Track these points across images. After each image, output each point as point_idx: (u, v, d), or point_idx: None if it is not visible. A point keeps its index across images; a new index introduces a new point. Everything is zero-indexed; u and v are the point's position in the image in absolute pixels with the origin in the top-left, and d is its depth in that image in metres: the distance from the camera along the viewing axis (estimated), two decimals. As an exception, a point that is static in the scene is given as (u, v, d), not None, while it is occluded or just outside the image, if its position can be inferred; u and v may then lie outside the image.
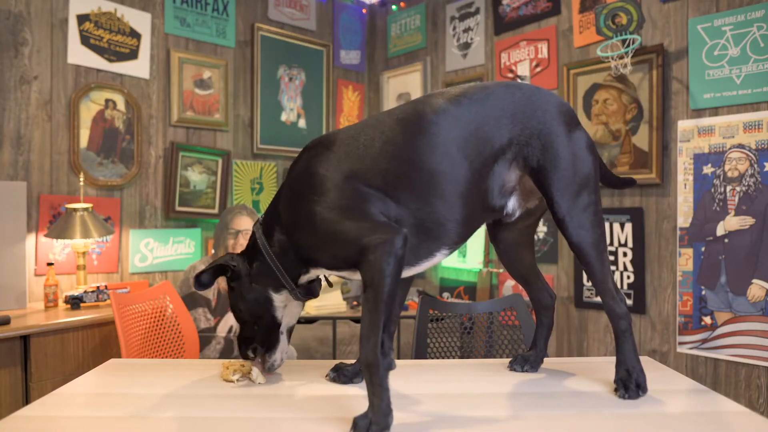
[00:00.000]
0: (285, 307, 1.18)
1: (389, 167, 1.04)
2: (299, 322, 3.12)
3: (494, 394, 1.09)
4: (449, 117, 1.07)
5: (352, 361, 1.22)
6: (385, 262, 0.94)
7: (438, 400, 1.06)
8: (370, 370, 0.91)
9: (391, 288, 0.94)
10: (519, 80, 3.35)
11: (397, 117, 1.09)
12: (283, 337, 1.19)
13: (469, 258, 3.61)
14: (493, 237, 1.28)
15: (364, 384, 1.16)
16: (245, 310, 1.17)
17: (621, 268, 2.84)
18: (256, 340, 1.18)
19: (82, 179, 2.79)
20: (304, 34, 3.96)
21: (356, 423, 0.89)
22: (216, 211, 3.44)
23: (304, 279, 1.15)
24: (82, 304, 2.55)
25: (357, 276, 1.07)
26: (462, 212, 1.06)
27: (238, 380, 1.18)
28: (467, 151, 1.06)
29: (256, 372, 1.19)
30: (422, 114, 1.08)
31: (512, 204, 1.15)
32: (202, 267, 2.48)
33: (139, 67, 3.12)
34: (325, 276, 1.20)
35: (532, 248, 1.29)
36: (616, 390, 1.07)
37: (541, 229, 3.23)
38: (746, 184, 2.40)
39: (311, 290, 1.18)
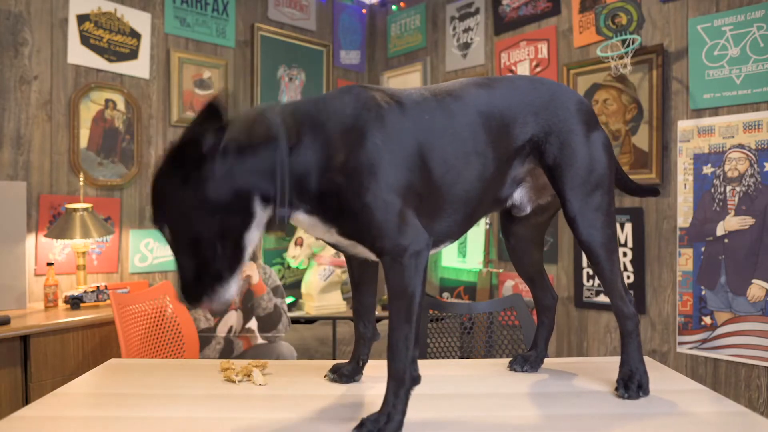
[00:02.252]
0: (258, 227, 0.89)
1: (443, 150, 0.99)
2: (299, 322, 3.12)
3: (494, 394, 1.09)
4: (489, 111, 1.06)
5: (347, 360, 1.22)
6: (417, 271, 0.91)
7: (438, 400, 1.06)
8: (399, 384, 0.89)
9: (422, 298, 0.92)
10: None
11: (450, 100, 1.04)
12: (244, 263, 0.90)
13: (469, 258, 3.61)
14: (505, 231, 1.27)
15: (363, 384, 1.16)
16: (212, 220, 0.82)
17: (621, 268, 2.84)
18: (213, 269, 0.85)
19: (82, 179, 2.79)
20: (304, 34, 3.96)
21: (364, 423, 0.87)
22: (216, 211, 3.44)
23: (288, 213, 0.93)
24: (81, 304, 2.55)
25: (357, 249, 0.99)
26: (477, 205, 1.06)
27: (239, 381, 1.18)
28: (499, 148, 1.05)
29: (256, 373, 1.19)
30: (469, 103, 1.05)
31: (519, 196, 1.14)
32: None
33: (139, 67, 3.12)
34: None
35: (542, 247, 1.29)
36: (616, 389, 1.07)
37: (541, 229, 3.23)
38: (746, 184, 2.40)
39: (289, 227, 0.98)
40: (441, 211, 1.02)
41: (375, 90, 0.99)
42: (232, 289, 0.88)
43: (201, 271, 0.86)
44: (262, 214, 0.88)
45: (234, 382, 1.17)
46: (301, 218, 0.94)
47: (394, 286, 0.91)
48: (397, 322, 0.90)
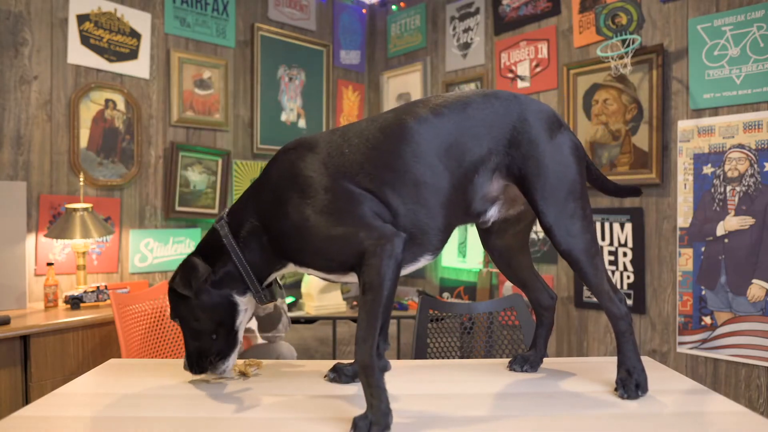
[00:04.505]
0: (246, 310, 1.14)
1: (375, 173, 1.03)
2: (299, 322, 3.12)
3: (494, 394, 1.09)
4: (430, 128, 1.07)
5: (350, 361, 1.22)
6: (386, 266, 0.94)
7: (438, 400, 1.06)
8: (366, 372, 0.92)
9: (390, 292, 0.94)
10: (519, 80, 3.35)
11: (380, 125, 1.08)
12: (239, 343, 1.15)
13: (469, 258, 3.61)
14: (486, 245, 1.27)
15: (364, 384, 1.16)
16: (205, 319, 1.10)
17: (621, 268, 2.84)
18: (213, 351, 1.12)
19: (82, 179, 2.79)
20: (304, 34, 3.96)
21: (356, 423, 0.89)
22: (216, 211, 3.44)
23: (273, 276, 1.13)
24: (82, 304, 2.55)
25: (346, 278, 1.06)
26: (444, 221, 1.07)
27: (231, 377, 1.20)
28: (448, 163, 1.06)
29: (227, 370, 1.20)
30: (405, 124, 1.07)
31: (492, 211, 1.15)
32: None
33: (139, 67, 3.12)
34: (278, 280, 1.17)
35: (528, 251, 1.29)
36: (616, 389, 1.07)
37: (541, 230, 3.23)
38: (746, 184, 2.40)
39: (272, 293, 1.14)
40: (402, 228, 1.03)
41: (292, 152, 1.09)
42: (230, 363, 1.14)
43: (205, 351, 1.12)
44: (243, 300, 1.12)
45: (222, 381, 1.18)
46: (289, 270, 1.12)
47: (363, 279, 0.96)
48: (361, 314, 0.94)
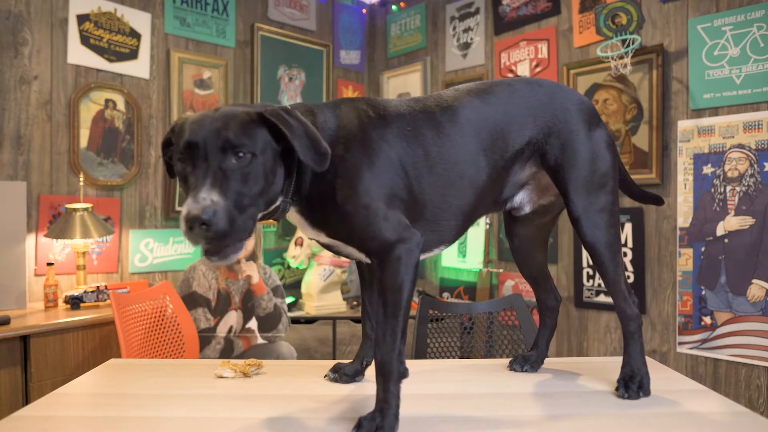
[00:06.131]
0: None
1: (428, 159, 1.01)
2: (299, 322, 3.12)
3: (494, 394, 1.09)
4: (480, 118, 1.06)
5: (351, 361, 1.22)
6: (407, 266, 0.93)
7: (438, 400, 1.06)
8: (386, 377, 0.90)
9: (410, 294, 0.93)
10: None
11: (438, 111, 1.05)
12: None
13: (469, 258, 3.61)
14: (508, 231, 1.27)
15: (363, 384, 1.16)
16: (276, 175, 0.90)
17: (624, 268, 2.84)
18: (258, 209, 0.89)
19: (82, 179, 2.79)
20: (304, 34, 3.96)
21: (361, 423, 0.88)
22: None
23: (273, 206, 0.96)
24: (82, 304, 2.55)
25: (347, 248, 1.01)
26: (472, 211, 1.07)
27: (231, 376, 1.20)
28: (493, 155, 1.06)
29: (232, 371, 1.21)
30: (459, 112, 1.05)
31: (520, 197, 1.15)
32: (203, 267, 2.48)
33: (139, 67, 3.12)
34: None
35: (545, 248, 1.29)
36: (616, 389, 1.07)
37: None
38: (746, 184, 2.40)
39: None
40: (432, 218, 1.03)
41: (362, 102, 1.02)
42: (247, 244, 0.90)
43: (254, 203, 0.86)
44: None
45: (223, 377, 1.19)
46: (294, 216, 1.01)
47: (383, 280, 0.93)
48: (383, 316, 0.92)
